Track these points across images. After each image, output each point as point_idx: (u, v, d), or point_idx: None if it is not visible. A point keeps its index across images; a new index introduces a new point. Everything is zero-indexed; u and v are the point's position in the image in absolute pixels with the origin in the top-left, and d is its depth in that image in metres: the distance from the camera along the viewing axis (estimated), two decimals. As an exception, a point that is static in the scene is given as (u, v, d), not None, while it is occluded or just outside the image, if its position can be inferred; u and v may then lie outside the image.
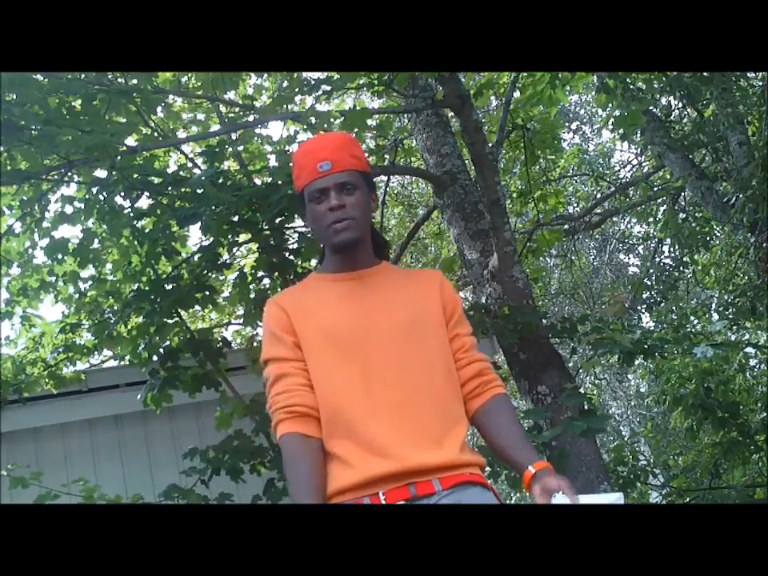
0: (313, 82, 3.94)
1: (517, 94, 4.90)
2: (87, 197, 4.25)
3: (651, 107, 6.94)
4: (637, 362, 5.86)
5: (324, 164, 1.82)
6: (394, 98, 5.91)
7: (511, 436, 1.82)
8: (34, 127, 3.45)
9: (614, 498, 1.65)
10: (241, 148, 4.61)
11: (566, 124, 10.35)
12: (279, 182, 3.72)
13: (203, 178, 3.82)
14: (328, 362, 1.79)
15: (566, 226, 7.82)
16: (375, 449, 1.71)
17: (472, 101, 4.33)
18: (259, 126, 4.45)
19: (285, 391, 1.79)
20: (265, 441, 4.05)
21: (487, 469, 3.08)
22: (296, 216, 4.03)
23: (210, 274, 4.34)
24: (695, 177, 7.13)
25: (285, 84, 4.82)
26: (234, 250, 4.48)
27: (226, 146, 4.33)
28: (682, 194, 8.09)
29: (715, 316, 8.14)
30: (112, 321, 4.31)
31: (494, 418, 1.85)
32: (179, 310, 4.18)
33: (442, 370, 1.83)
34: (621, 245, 10.67)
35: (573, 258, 9.08)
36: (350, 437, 1.73)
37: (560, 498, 1.64)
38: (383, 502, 1.69)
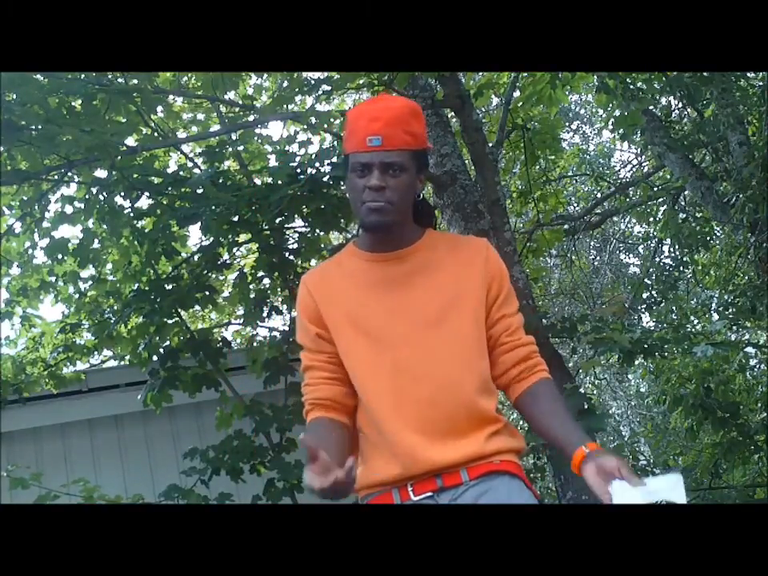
0: (313, 82, 3.94)
1: (517, 94, 4.90)
2: (87, 197, 4.25)
3: (651, 107, 6.94)
4: (637, 362, 5.86)
5: (374, 138, 1.69)
6: (394, 98, 5.89)
7: (559, 415, 1.73)
8: (34, 127, 3.45)
9: (673, 481, 1.53)
10: (241, 148, 4.60)
11: (566, 124, 10.33)
12: (279, 182, 3.72)
13: (203, 177, 3.83)
14: (357, 353, 1.75)
15: (566, 226, 7.81)
16: (402, 452, 1.69)
17: (472, 101, 4.33)
18: (259, 126, 4.45)
19: (310, 384, 1.81)
20: (265, 441, 4.05)
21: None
22: (296, 216, 4.04)
23: (210, 274, 4.34)
24: (695, 177, 7.13)
25: (285, 84, 4.82)
26: (234, 250, 4.48)
27: (226, 146, 4.33)
28: (682, 194, 8.09)
29: (715, 316, 8.14)
30: (112, 321, 4.32)
31: (539, 400, 1.76)
32: (179, 310, 4.19)
33: (477, 361, 1.76)
34: (621, 245, 10.66)
35: (573, 257, 9.07)
36: (380, 433, 1.72)
37: (618, 488, 1.53)
38: (411, 494, 1.69)
